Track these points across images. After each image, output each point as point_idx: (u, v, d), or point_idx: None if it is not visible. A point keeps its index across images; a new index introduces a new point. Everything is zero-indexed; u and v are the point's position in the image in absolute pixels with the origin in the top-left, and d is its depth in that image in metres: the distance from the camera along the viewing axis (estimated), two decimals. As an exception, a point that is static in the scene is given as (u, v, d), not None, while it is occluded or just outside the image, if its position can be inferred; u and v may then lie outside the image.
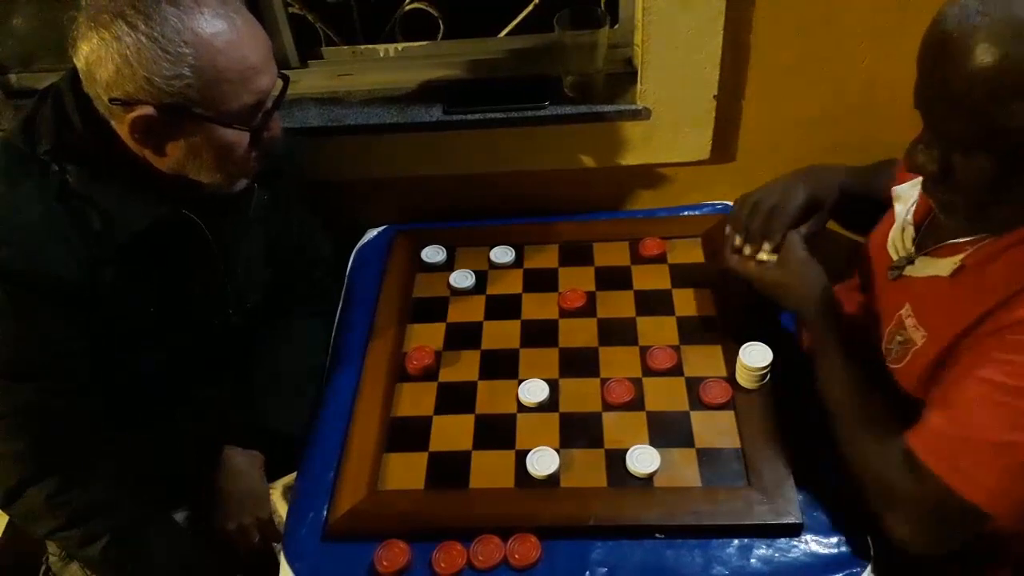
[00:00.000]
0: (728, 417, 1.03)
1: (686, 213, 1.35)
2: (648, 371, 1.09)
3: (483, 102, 1.29)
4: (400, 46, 1.38)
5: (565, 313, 1.19)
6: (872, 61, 1.21)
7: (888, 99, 1.25)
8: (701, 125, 1.28)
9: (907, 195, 0.91)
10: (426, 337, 1.18)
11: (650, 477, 0.97)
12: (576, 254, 1.29)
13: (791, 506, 0.92)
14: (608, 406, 1.06)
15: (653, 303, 1.19)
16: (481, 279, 1.26)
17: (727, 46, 1.18)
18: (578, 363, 1.12)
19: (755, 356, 1.02)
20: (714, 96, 1.24)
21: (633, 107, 1.26)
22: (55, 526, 0.92)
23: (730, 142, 1.33)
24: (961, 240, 0.81)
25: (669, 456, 0.99)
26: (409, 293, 1.25)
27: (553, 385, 1.08)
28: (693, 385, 1.07)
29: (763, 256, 1.01)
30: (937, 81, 0.68)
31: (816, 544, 0.91)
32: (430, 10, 1.51)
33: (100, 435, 0.94)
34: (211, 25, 0.77)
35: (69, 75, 0.83)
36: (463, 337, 1.17)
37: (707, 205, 1.37)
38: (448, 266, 1.29)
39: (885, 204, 1.04)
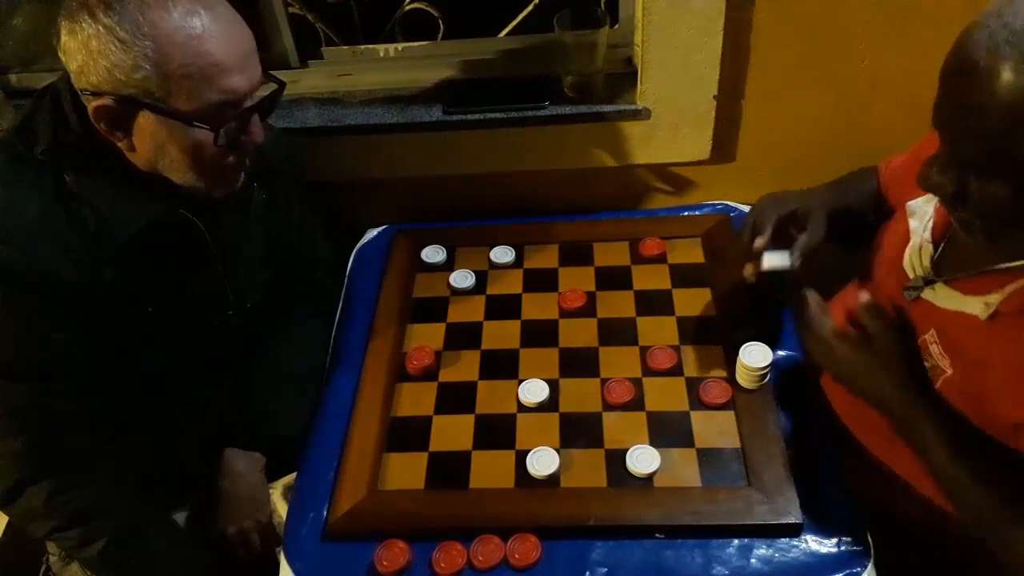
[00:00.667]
0: (728, 417, 1.03)
1: (686, 213, 1.35)
2: (648, 371, 1.09)
3: (483, 102, 1.29)
4: (400, 46, 1.38)
5: (565, 313, 1.19)
6: (872, 61, 1.21)
7: (888, 99, 1.25)
8: (701, 125, 1.28)
9: (921, 210, 0.89)
10: (426, 337, 1.18)
11: (650, 477, 0.97)
12: (576, 254, 1.29)
13: (791, 506, 0.92)
14: (608, 406, 1.06)
15: (653, 303, 1.19)
16: (481, 279, 1.26)
17: (727, 46, 1.18)
18: (578, 363, 1.12)
19: (755, 356, 1.02)
20: (714, 96, 1.24)
21: (633, 107, 1.26)
22: (54, 526, 0.92)
23: (730, 142, 1.33)
24: (988, 272, 0.78)
25: (669, 456, 0.99)
26: (409, 293, 1.25)
27: (553, 385, 1.08)
28: (693, 385, 1.07)
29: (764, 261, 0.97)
30: (958, 106, 0.67)
31: (816, 544, 0.91)
32: (430, 10, 1.51)
33: (100, 435, 0.94)
34: (174, 19, 0.76)
35: (67, 74, 0.83)
36: (463, 337, 1.17)
37: (707, 205, 1.37)
38: (448, 266, 1.29)
39: (870, 218, 1.04)
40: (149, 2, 0.75)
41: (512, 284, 1.25)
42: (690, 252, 1.27)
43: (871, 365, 0.88)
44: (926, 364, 0.86)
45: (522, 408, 1.07)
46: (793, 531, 0.91)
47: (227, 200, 0.93)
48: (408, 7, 1.51)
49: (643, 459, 0.97)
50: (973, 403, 0.81)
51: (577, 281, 1.24)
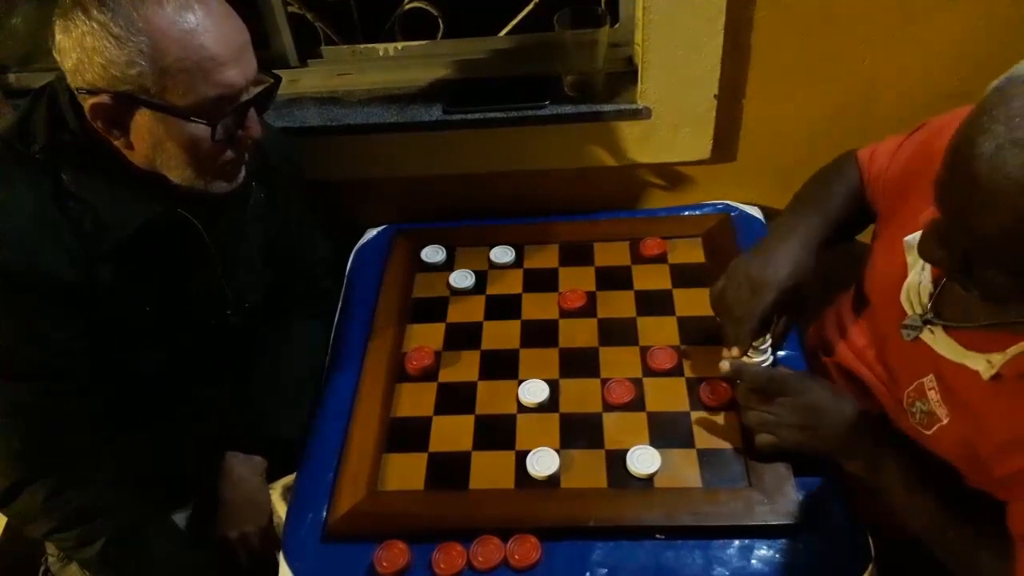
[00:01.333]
0: (728, 417, 1.03)
1: (686, 213, 1.35)
2: (648, 371, 1.09)
3: (483, 102, 1.29)
4: (400, 45, 1.38)
5: (565, 313, 1.19)
6: (872, 61, 1.21)
7: (888, 99, 1.25)
8: (701, 125, 1.28)
9: None
10: (426, 337, 1.18)
11: (650, 478, 0.97)
12: (576, 254, 1.29)
13: (791, 506, 0.92)
14: (608, 406, 1.05)
15: (653, 303, 1.19)
16: (481, 279, 1.25)
17: (727, 46, 1.18)
18: (578, 363, 1.11)
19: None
20: (714, 96, 1.24)
21: (633, 107, 1.26)
22: (53, 527, 0.91)
23: (730, 142, 1.33)
24: (989, 327, 0.78)
25: (669, 456, 0.99)
26: (409, 293, 1.25)
27: (553, 385, 1.08)
28: (693, 385, 1.07)
29: (745, 359, 0.97)
30: (958, 209, 0.65)
31: (816, 544, 0.91)
32: (430, 9, 1.51)
33: (99, 435, 0.93)
34: (168, 14, 0.76)
35: (63, 74, 0.83)
36: (463, 337, 1.17)
37: (707, 205, 1.37)
38: (448, 266, 1.29)
39: (856, 217, 1.04)
40: None
41: (512, 284, 1.25)
42: (690, 252, 1.27)
43: (822, 426, 0.90)
44: (922, 409, 0.86)
45: (522, 408, 1.07)
46: (793, 532, 0.91)
47: (226, 199, 0.93)
48: (407, 6, 1.50)
49: (643, 460, 0.97)
50: (967, 454, 0.81)
51: (577, 281, 1.23)
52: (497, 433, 1.04)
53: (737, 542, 0.92)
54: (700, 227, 1.30)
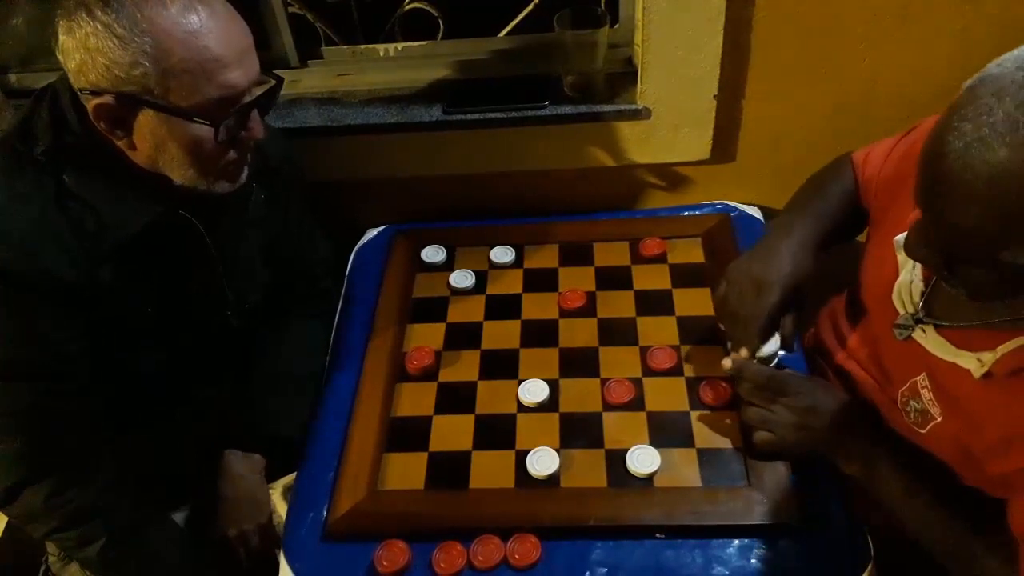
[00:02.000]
0: (728, 417, 1.03)
1: (686, 213, 1.35)
2: (648, 371, 1.09)
3: (483, 102, 1.29)
4: (400, 46, 1.38)
5: (565, 313, 1.19)
6: (872, 61, 1.21)
7: (888, 99, 1.25)
8: (701, 125, 1.28)
9: None
10: (426, 337, 1.18)
11: (650, 477, 0.97)
12: (576, 254, 1.29)
13: (791, 506, 0.92)
14: (608, 406, 1.06)
15: (653, 303, 1.19)
16: (481, 279, 1.26)
17: (727, 46, 1.18)
18: (578, 363, 1.12)
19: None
20: (714, 96, 1.24)
21: (633, 107, 1.26)
22: (53, 527, 0.91)
23: (730, 142, 1.33)
24: (979, 326, 0.78)
25: (669, 456, 0.99)
26: (409, 293, 1.25)
27: (553, 385, 1.08)
28: (693, 385, 1.07)
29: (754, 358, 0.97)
30: (938, 210, 0.66)
31: (816, 544, 0.91)
32: (430, 10, 1.51)
33: (99, 436, 0.93)
34: (171, 15, 0.76)
35: (66, 75, 0.83)
36: (463, 337, 1.17)
37: (707, 205, 1.37)
38: (448, 266, 1.29)
39: (852, 220, 1.04)
40: None
41: (512, 284, 1.25)
42: (690, 252, 1.27)
43: (819, 426, 0.91)
44: (916, 407, 0.86)
45: (522, 408, 1.07)
46: (793, 531, 0.91)
47: (227, 199, 0.93)
48: (408, 7, 1.50)
49: (643, 459, 0.97)
50: (961, 451, 0.81)
51: (577, 281, 1.24)
52: (497, 433, 1.04)
53: (737, 542, 0.92)
54: (700, 227, 1.30)
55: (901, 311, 0.88)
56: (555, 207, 1.38)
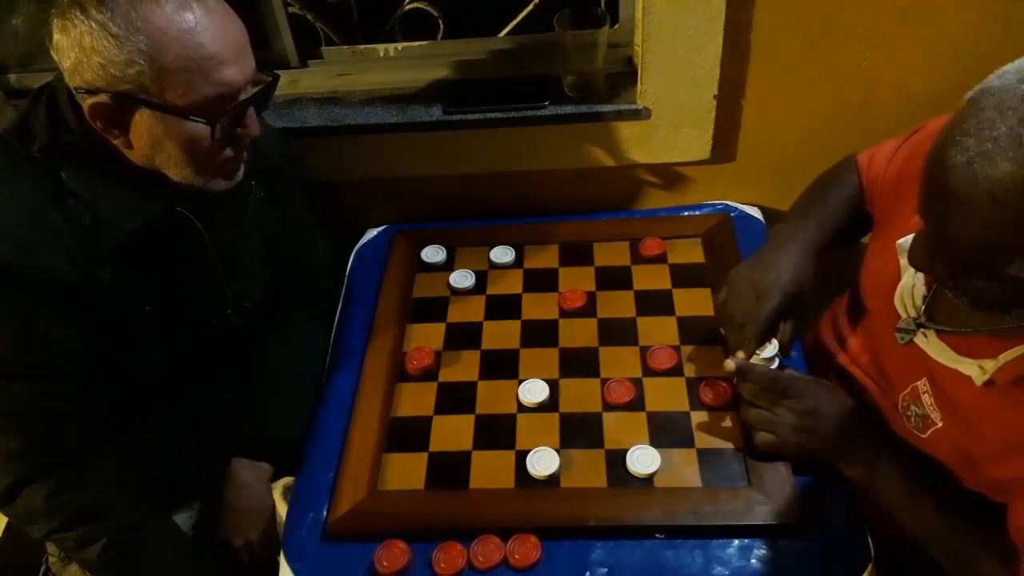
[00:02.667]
0: (728, 417, 1.03)
1: (686, 213, 1.35)
2: (648, 371, 1.09)
3: (483, 102, 1.29)
4: (400, 46, 1.38)
5: (565, 313, 1.19)
6: (872, 61, 1.21)
7: (888, 99, 1.25)
8: (701, 125, 1.28)
9: None
10: (426, 337, 1.18)
11: (650, 477, 0.97)
12: (576, 254, 1.29)
13: (791, 506, 0.92)
14: (608, 406, 1.06)
15: (653, 303, 1.19)
16: (481, 279, 1.26)
17: (727, 46, 1.18)
18: (578, 363, 1.12)
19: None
20: (714, 96, 1.24)
21: (633, 107, 1.26)
22: (53, 527, 0.91)
23: (730, 142, 1.33)
24: (983, 333, 0.78)
25: (669, 456, 0.99)
26: (409, 293, 1.25)
27: (553, 385, 1.08)
28: (693, 385, 1.07)
29: (753, 360, 0.97)
30: (940, 222, 0.66)
31: (816, 544, 0.91)
32: (430, 10, 1.51)
33: (99, 436, 0.93)
34: (167, 13, 0.76)
35: (63, 73, 0.83)
36: (463, 337, 1.17)
37: (707, 205, 1.37)
38: (448, 266, 1.29)
39: (856, 223, 1.04)
40: None
41: (512, 284, 1.25)
42: (690, 252, 1.27)
43: (823, 429, 0.91)
44: (916, 412, 0.86)
45: (522, 408, 1.07)
46: (793, 531, 0.91)
47: (226, 198, 0.93)
48: (408, 7, 1.51)
49: (643, 459, 0.97)
50: (962, 456, 0.81)
51: (577, 281, 1.24)
52: (497, 433, 1.04)
53: (737, 542, 0.92)
54: (700, 227, 1.30)
55: (903, 314, 0.88)
56: (555, 207, 1.38)
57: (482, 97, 1.30)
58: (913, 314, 0.87)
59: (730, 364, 0.96)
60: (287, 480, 1.10)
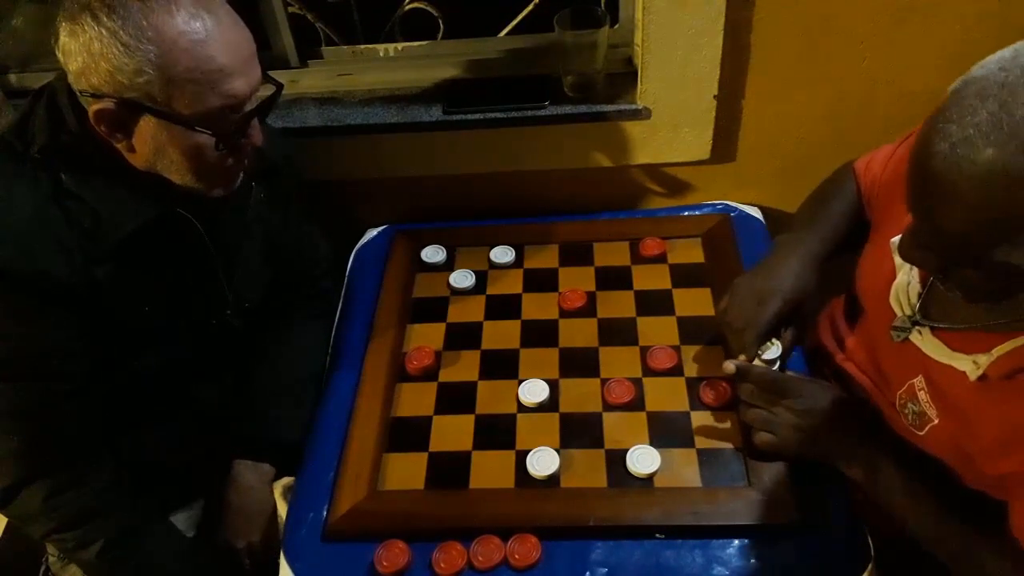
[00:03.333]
0: (728, 417, 1.03)
1: (686, 213, 1.35)
2: (648, 371, 1.09)
3: (483, 102, 1.29)
4: (400, 46, 1.38)
5: (565, 313, 1.19)
6: (872, 61, 1.21)
7: (888, 99, 1.25)
8: (701, 125, 1.28)
9: None
10: (426, 337, 1.18)
11: (650, 477, 0.97)
12: (576, 254, 1.29)
13: (791, 506, 0.92)
14: (608, 406, 1.06)
15: (653, 303, 1.19)
16: (481, 279, 1.26)
17: (727, 46, 1.18)
18: (578, 363, 1.12)
19: (765, 352, 1.01)
20: (714, 96, 1.24)
21: (633, 107, 1.26)
22: (51, 528, 0.91)
23: (730, 142, 1.33)
24: (975, 328, 0.78)
25: (669, 456, 0.99)
26: (409, 293, 1.25)
27: (553, 385, 1.08)
28: (693, 385, 1.07)
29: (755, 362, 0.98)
30: (927, 212, 0.66)
31: (816, 544, 0.91)
32: (430, 10, 1.51)
33: (99, 436, 0.93)
34: (178, 23, 0.75)
35: (63, 73, 0.83)
36: (463, 337, 1.17)
37: (707, 205, 1.37)
38: (448, 266, 1.29)
39: (856, 229, 1.05)
40: (153, 6, 0.75)
41: (512, 284, 1.25)
42: (690, 252, 1.27)
43: (822, 426, 0.91)
44: (913, 409, 0.86)
45: (522, 408, 1.07)
46: (793, 531, 0.91)
47: (227, 199, 0.93)
48: (408, 7, 1.50)
49: (643, 459, 0.97)
50: (959, 453, 0.81)
51: (577, 281, 1.24)
52: (497, 433, 1.04)
53: (737, 542, 0.92)
54: (700, 227, 1.30)
55: (898, 313, 0.88)
56: (555, 207, 1.38)
57: (482, 97, 1.30)
58: (908, 312, 0.87)
59: (730, 365, 0.96)
60: (287, 480, 1.10)
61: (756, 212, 1.34)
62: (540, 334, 1.16)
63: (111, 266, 0.87)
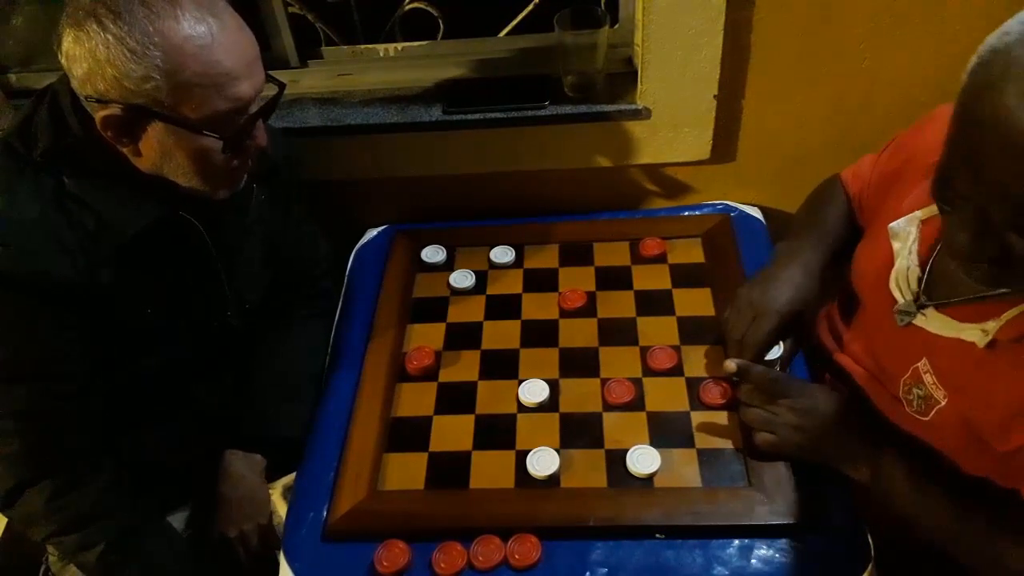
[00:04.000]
0: (728, 417, 1.03)
1: (686, 213, 1.35)
2: (648, 371, 1.09)
3: (483, 102, 1.29)
4: (400, 46, 1.38)
5: (565, 313, 1.19)
6: (872, 61, 1.21)
7: (888, 99, 1.25)
8: (701, 125, 1.28)
9: (905, 231, 0.88)
10: (426, 337, 1.18)
11: (650, 477, 0.97)
12: (576, 254, 1.29)
13: (791, 506, 0.92)
14: (608, 406, 1.06)
15: (653, 303, 1.19)
16: (481, 279, 1.26)
17: (727, 46, 1.18)
18: (578, 363, 1.12)
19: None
20: (714, 96, 1.24)
21: (633, 107, 1.26)
22: (52, 530, 0.91)
23: (730, 142, 1.33)
24: (982, 298, 0.78)
25: (669, 456, 0.99)
26: (409, 293, 1.25)
27: (553, 385, 1.08)
28: (693, 385, 1.07)
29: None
30: (976, 172, 0.63)
31: (816, 544, 0.91)
32: (430, 10, 1.51)
33: (100, 438, 0.93)
34: (183, 28, 0.75)
35: (66, 75, 0.83)
36: (463, 337, 1.17)
37: (707, 205, 1.37)
38: (448, 266, 1.29)
39: (855, 234, 1.05)
40: (158, 11, 0.75)
41: (512, 284, 1.25)
42: (690, 252, 1.27)
43: (823, 425, 0.91)
44: (919, 394, 0.86)
45: (522, 408, 1.07)
46: (793, 531, 0.91)
47: (229, 200, 0.93)
48: (408, 7, 1.50)
49: (643, 459, 0.97)
50: (966, 434, 0.81)
51: (577, 281, 1.24)
52: (497, 433, 1.04)
53: (737, 542, 0.92)
54: (700, 227, 1.30)
55: (899, 298, 0.88)
56: (555, 207, 1.38)
57: (482, 97, 1.30)
58: (909, 297, 0.87)
59: (730, 365, 0.96)
60: (287, 480, 1.10)
61: (756, 212, 1.34)
62: (540, 334, 1.16)
63: (113, 268, 0.87)
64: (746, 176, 1.37)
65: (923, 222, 0.86)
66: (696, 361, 1.10)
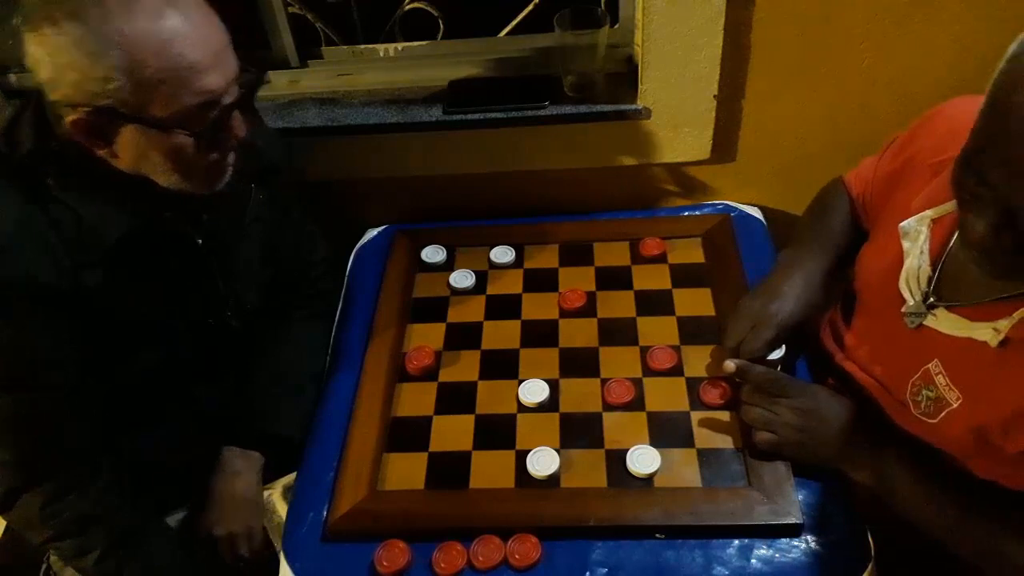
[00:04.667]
0: (728, 417, 1.03)
1: (686, 213, 1.35)
2: (648, 371, 1.09)
3: (483, 102, 1.29)
4: (400, 46, 1.38)
5: (565, 313, 1.19)
6: (872, 61, 1.21)
7: (888, 99, 1.25)
8: (701, 125, 1.28)
9: (915, 231, 0.87)
10: (426, 337, 1.18)
11: (650, 477, 0.97)
12: (576, 254, 1.29)
13: (791, 506, 0.92)
14: (608, 406, 1.06)
15: (653, 303, 1.19)
16: (481, 279, 1.26)
17: (727, 46, 1.18)
18: (578, 363, 1.12)
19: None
20: (714, 96, 1.24)
21: (633, 107, 1.26)
22: (49, 535, 0.91)
23: (730, 142, 1.33)
24: (994, 299, 0.78)
25: (669, 456, 0.99)
26: (409, 293, 1.25)
27: (553, 385, 1.08)
28: (693, 385, 1.07)
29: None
30: (1004, 159, 0.63)
31: (816, 544, 0.91)
32: (430, 10, 1.51)
33: (96, 440, 0.93)
34: (141, 24, 0.73)
35: None
36: (463, 337, 1.17)
37: (707, 205, 1.37)
38: (448, 266, 1.29)
39: (859, 239, 1.05)
40: (114, 9, 0.72)
41: (512, 284, 1.25)
42: (690, 252, 1.27)
43: (824, 425, 0.91)
44: (928, 396, 0.86)
45: (522, 408, 1.07)
46: (793, 531, 0.91)
47: (226, 201, 0.93)
48: (408, 6, 1.50)
49: (643, 459, 0.97)
50: (977, 435, 0.80)
51: (577, 281, 1.24)
52: (497, 433, 1.04)
53: (737, 542, 0.92)
54: (700, 227, 1.30)
55: (909, 298, 0.88)
56: (555, 207, 1.38)
57: (482, 97, 1.30)
58: (919, 296, 0.86)
59: (730, 364, 0.96)
60: (287, 480, 1.10)
61: (756, 212, 1.34)
62: (540, 334, 1.16)
63: (101, 271, 0.86)
64: (746, 176, 1.37)
65: (934, 221, 0.86)
66: (696, 361, 1.10)
